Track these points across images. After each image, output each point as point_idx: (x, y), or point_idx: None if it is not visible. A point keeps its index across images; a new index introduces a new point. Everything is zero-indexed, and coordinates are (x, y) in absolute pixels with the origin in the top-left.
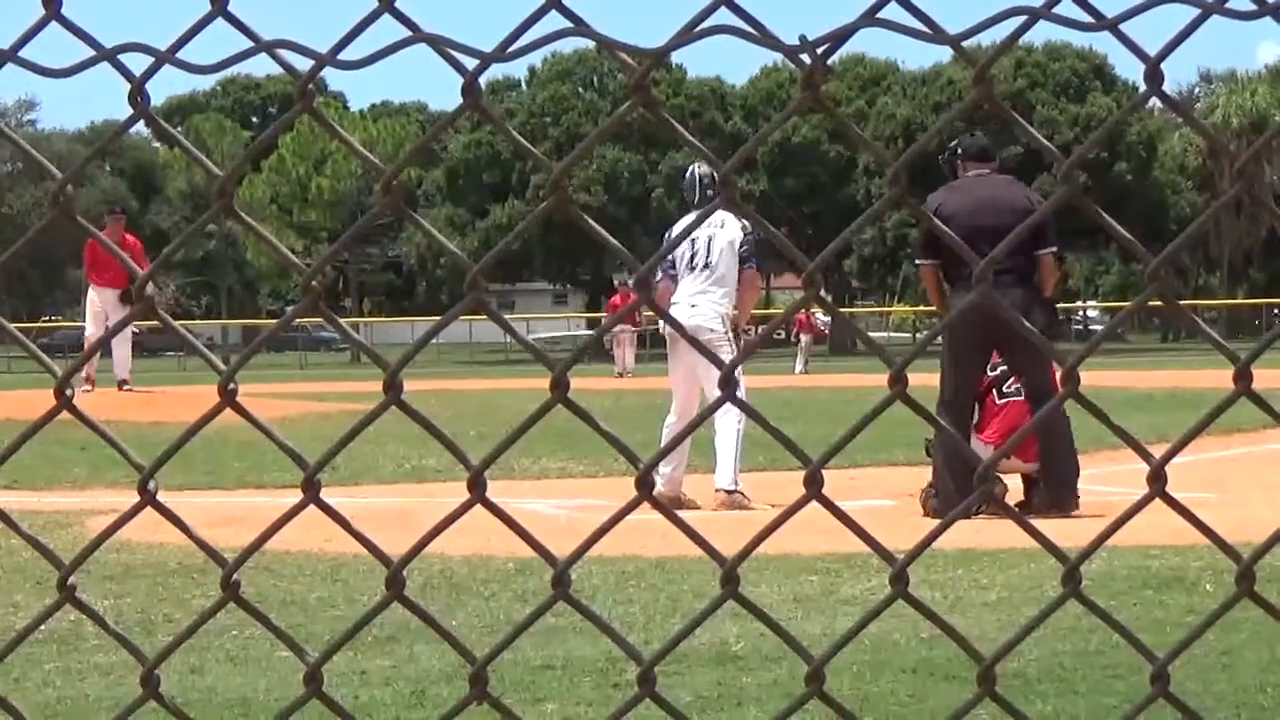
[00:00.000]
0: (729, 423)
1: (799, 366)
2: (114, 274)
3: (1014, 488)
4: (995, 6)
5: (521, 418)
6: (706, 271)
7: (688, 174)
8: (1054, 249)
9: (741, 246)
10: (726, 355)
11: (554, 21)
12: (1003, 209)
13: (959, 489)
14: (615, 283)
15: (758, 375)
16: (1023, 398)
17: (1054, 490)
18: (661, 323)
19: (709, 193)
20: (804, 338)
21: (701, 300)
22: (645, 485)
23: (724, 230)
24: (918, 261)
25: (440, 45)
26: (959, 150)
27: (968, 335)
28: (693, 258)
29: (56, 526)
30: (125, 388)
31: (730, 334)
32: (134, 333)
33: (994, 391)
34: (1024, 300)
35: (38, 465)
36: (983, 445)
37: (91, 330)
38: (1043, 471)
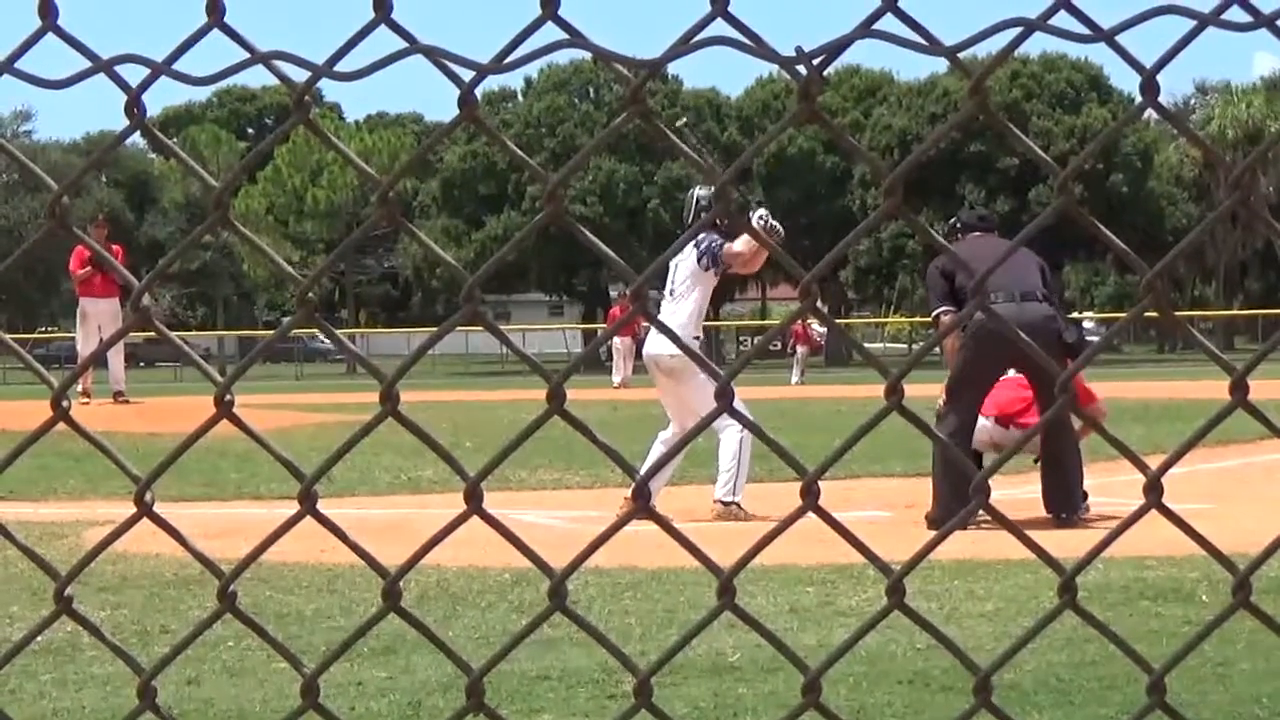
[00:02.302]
0: (732, 435)
1: (795, 378)
2: (104, 284)
3: (1013, 500)
4: (991, 18)
5: (517, 429)
6: (670, 297)
7: (688, 195)
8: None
9: (700, 259)
10: (693, 375)
11: (550, 33)
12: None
13: (956, 499)
14: (614, 294)
15: (754, 387)
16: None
17: (1058, 497)
18: (642, 349)
19: (702, 216)
20: (800, 349)
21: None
22: (641, 497)
23: (685, 257)
24: (936, 311)
25: (436, 57)
26: (959, 224)
27: (993, 350)
28: (663, 285)
29: (53, 537)
30: (120, 399)
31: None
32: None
33: None
34: (1053, 315)
35: (34, 476)
36: (983, 420)
37: (82, 343)
38: (1047, 479)
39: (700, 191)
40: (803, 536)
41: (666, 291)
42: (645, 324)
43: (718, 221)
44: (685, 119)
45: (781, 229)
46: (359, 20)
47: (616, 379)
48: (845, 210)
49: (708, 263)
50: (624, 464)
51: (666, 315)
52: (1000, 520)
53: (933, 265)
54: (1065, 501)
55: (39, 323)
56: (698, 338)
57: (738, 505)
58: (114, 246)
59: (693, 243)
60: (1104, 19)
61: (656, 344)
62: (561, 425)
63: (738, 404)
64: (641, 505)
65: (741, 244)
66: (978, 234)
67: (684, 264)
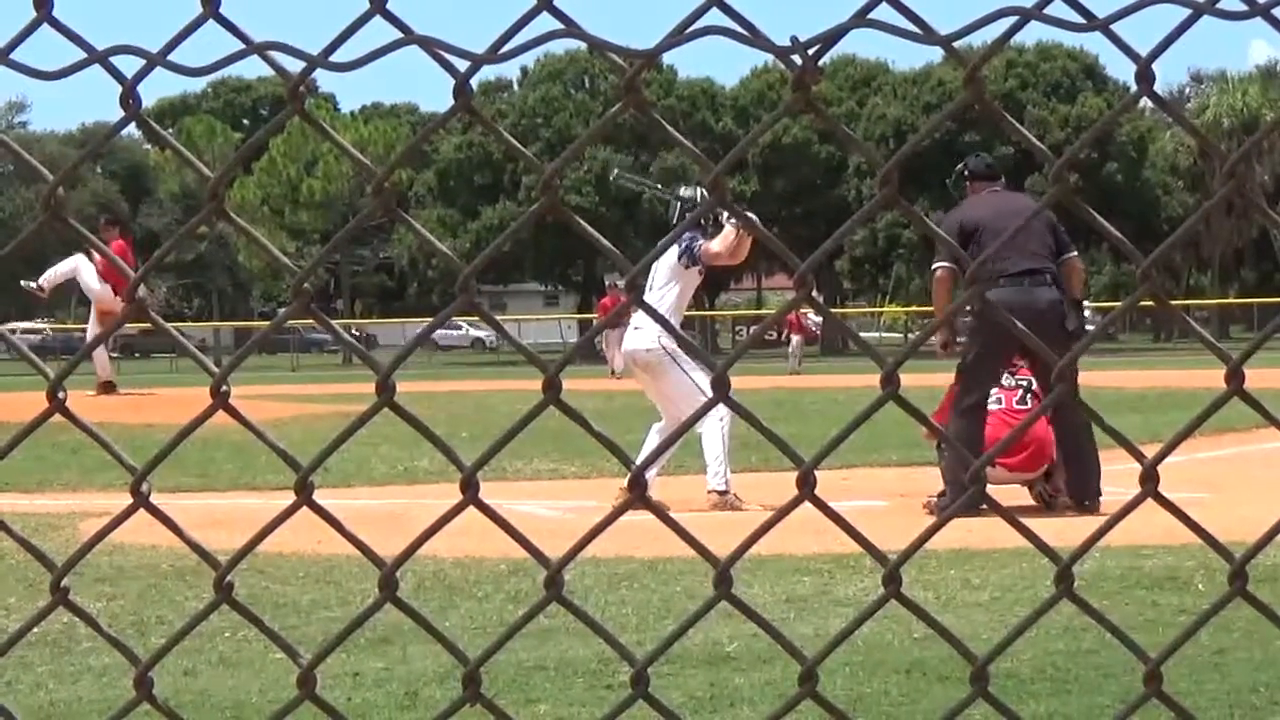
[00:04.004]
0: (712, 425)
1: (792, 366)
2: (119, 283)
3: (1014, 492)
4: (986, 7)
5: (513, 419)
6: (649, 291)
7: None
8: (1076, 253)
9: (680, 257)
10: (670, 368)
11: (545, 23)
12: (1024, 214)
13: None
14: (606, 284)
15: (751, 376)
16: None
17: (1080, 486)
18: (620, 351)
19: (686, 216)
20: (795, 338)
21: (643, 322)
22: (637, 486)
23: (666, 256)
24: (936, 265)
25: (431, 47)
26: (966, 172)
27: (1000, 334)
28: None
29: (49, 529)
30: (107, 391)
31: (667, 349)
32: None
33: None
34: (1059, 300)
35: (30, 467)
36: None
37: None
38: (1067, 470)
39: (685, 192)
40: (799, 526)
41: (647, 286)
42: (650, 305)
43: (702, 221)
44: (616, 169)
45: (753, 216)
46: (354, 11)
47: (611, 368)
48: (840, 200)
49: (687, 260)
50: (620, 453)
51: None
52: (997, 509)
53: (952, 216)
54: (1086, 489)
55: (34, 313)
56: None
57: (733, 494)
58: (116, 241)
59: (678, 243)
60: (1099, 7)
61: (632, 340)
62: (557, 415)
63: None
64: (636, 495)
65: (718, 243)
66: (986, 184)
67: (664, 260)
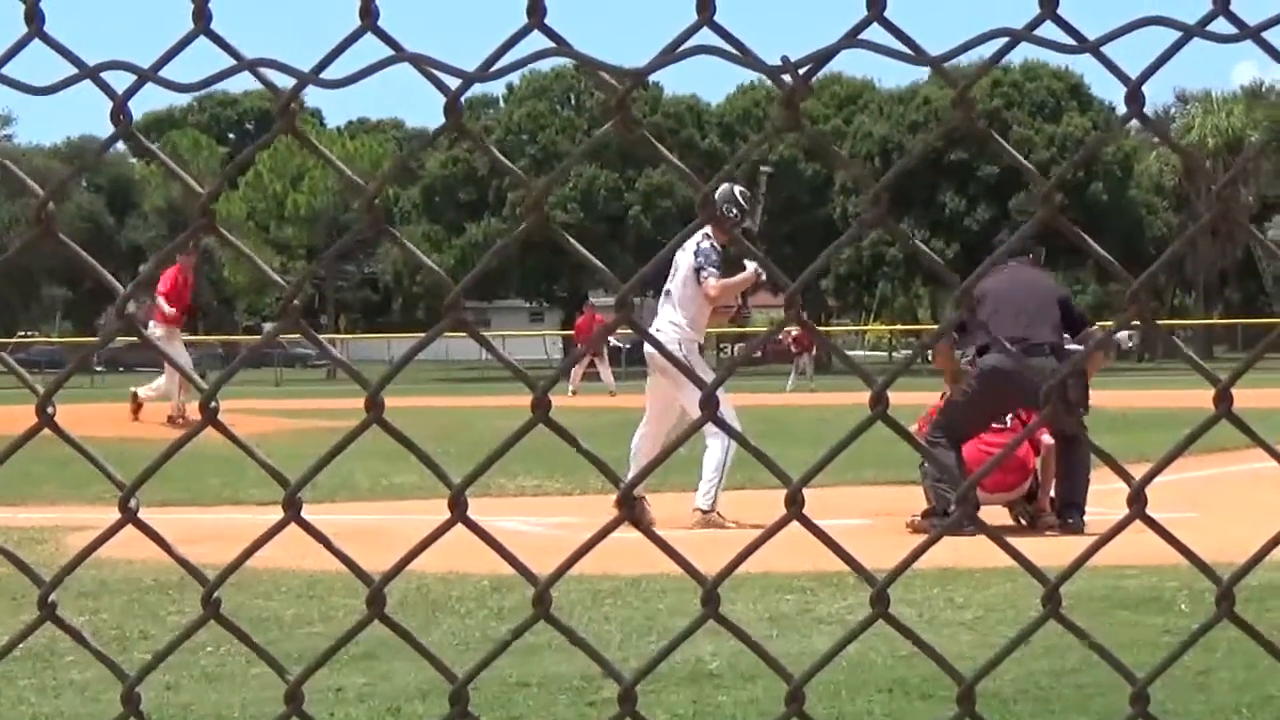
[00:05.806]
0: (718, 443)
1: (807, 381)
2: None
3: (997, 513)
4: (975, 27)
5: (498, 435)
6: (666, 296)
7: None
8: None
9: (695, 258)
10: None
11: (536, 40)
12: (1035, 290)
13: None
14: (590, 298)
15: (752, 394)
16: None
17: (1064, 503)
18: (644, 344)
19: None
20: (804, 356)
21: (663, 325)
22: (625, 505)
23: (684, 253)
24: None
25: (423, 65)
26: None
27: (1000, 392)
28: (662, 284)
29: (32, 542)
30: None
31: (687, 357)
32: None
33: None
34: (1055, 370)
35: (14, 481)
36: None
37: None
38: (1058, 481)
39: (738, 188)
40: (781, 544)
41: (665, 290)
42: (638, 324)
43: (710, 232)
44: (768, 166)
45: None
46: (344, 27)
47: (607, 386)
48: (827, 218)
49: (699, 264)
50: (609, 472)
51: (664, 316)
52: (984, 530)
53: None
54: (1069, 509)
55: (18, 327)
56: (699, 343)
57: (717, 513)
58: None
59: (695, 242)
60: (1086, 27)
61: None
62: (544, 431)
63: (728, 414)
64: (626, 514)
65: (716, 286)
66: (1015, 257)
67: (682, 267)
